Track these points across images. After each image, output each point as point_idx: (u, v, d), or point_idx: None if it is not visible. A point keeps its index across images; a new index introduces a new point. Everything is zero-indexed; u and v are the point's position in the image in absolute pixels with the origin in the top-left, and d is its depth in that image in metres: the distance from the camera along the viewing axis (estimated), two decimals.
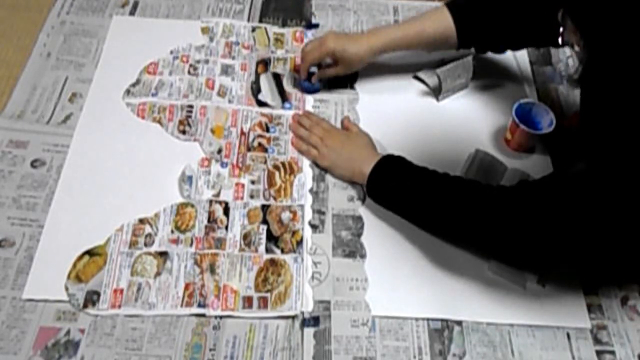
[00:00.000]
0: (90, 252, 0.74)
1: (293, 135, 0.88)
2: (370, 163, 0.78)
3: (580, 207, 0.62)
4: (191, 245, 0.76)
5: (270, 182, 0.83)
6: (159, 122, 0.88)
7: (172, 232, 0.77)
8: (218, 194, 0.81)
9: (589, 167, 0.64)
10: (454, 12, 0.85)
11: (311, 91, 0.94)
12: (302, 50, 0.91)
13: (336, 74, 0.91)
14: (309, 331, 0.71)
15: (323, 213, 0.81)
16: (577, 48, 0.62)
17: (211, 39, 0.99)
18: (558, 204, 0.64)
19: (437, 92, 0.94)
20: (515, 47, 0.90)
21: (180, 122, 0.88)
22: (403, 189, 0.76)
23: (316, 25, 1.04)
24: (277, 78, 0.96)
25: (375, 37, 0.87)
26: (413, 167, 0.77)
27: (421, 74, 0.96)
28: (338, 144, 0.84)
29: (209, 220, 0.79)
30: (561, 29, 0.64)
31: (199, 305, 0.72)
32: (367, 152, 0.82)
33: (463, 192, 0.72)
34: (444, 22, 0.85)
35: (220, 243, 0.77)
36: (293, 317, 0.72)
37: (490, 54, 0.95)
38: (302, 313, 0.72)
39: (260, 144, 0.87)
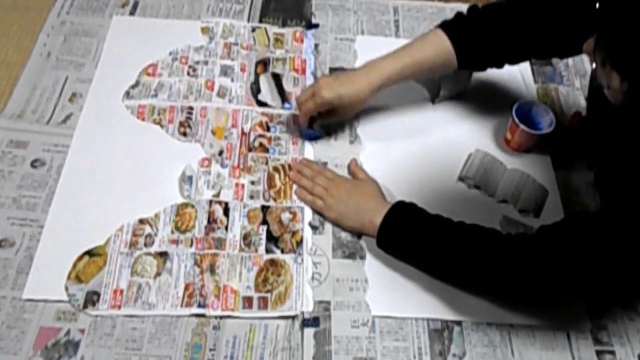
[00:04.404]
0: (90, 253, 0.74)
1: (296, 185, 0.84)
2: (381, 213, 0.75)
3: (603, 254, 0.63)
4: (191, 245, 0.76)
5: (270, 183, 0.83)
6: (159, 123, 0.88)
7: (172, 232, 0.77)
8: (218, 194, 0.81)
9: (608, 212, 0.65)
10: (451, 34, 0.81)
11: (312, 138, 0.89)
12: (296, 100, 0.86)
13: (337, 119, 0.87)
14: (309, 331, 0.71)
15: (323, 215, 0.81)
16: (610, 86, 0.61)
17: (211, 39, 0.99)
18: (580, 253, 0.64)
19: (434, 96, 0.94)
20: (515, 62, 0.88)
21: (181, 124, 0.88)
22: (417, 240, 0.73)
23: (316, 25, 1.04)
24: (276, 78, 0.95)
25: (373, 73, 0.82)
26: (426, 216, 0.74)
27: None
28: (344, 194, 0.80)
29: (209, 221, 0.79)
30: (594, 65, 0.63)
31: (199, 306, 0.72)
32: (376, 202, 0.78)
33: (480, 242, 0.70)
34: (442, 46, 0.81)
35: (220, 243, 0.77)
36: (293, 318, 0.72)
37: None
38: (302, 313, 0.72)
39: (261, 144, 0.87)
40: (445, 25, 0.83)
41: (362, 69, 0.84)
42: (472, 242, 0.71)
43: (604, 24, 0.59)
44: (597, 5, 0.59)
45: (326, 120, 0.87)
